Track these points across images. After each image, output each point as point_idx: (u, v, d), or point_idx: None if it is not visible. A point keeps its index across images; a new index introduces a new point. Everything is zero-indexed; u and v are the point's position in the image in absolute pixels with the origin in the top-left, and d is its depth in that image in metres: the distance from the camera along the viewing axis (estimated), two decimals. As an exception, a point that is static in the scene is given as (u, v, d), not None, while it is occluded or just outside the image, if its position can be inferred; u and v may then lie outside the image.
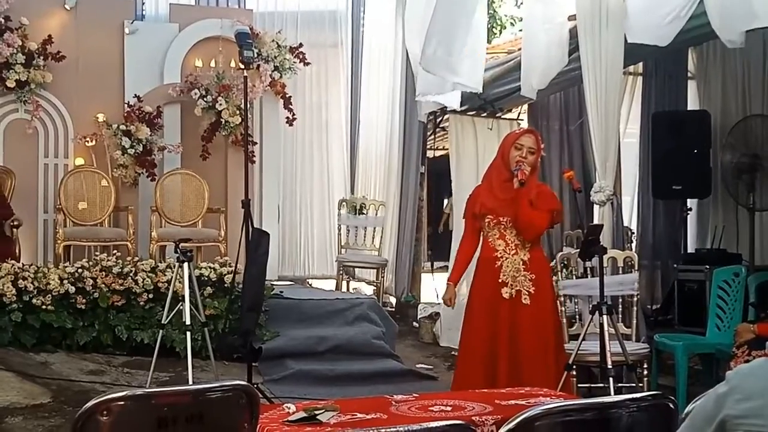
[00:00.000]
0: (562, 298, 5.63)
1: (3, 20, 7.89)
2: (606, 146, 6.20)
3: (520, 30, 9.04)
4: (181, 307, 5.57)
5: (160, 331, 5.78)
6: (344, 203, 9.34)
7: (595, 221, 6.65)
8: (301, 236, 9.82)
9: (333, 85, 9.90)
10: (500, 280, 4.98)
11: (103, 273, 6.61)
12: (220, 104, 8.20)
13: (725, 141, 8.11)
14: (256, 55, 7.57)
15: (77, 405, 4.13)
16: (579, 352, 4.98)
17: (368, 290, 9.38)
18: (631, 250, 7.25)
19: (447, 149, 9.45)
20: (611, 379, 4.64)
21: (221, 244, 7.89)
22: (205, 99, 8.24)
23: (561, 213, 5.44)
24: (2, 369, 5.84)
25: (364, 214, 9.24)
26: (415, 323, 8.56)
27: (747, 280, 6.29)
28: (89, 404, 2.34)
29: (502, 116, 9.09)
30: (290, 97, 8.71)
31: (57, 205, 7.94)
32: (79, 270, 6.60)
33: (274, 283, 7.67)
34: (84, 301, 6.51)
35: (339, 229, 9.31)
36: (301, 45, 8.79)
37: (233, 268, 6.32)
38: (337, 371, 6.52)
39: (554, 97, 9.35)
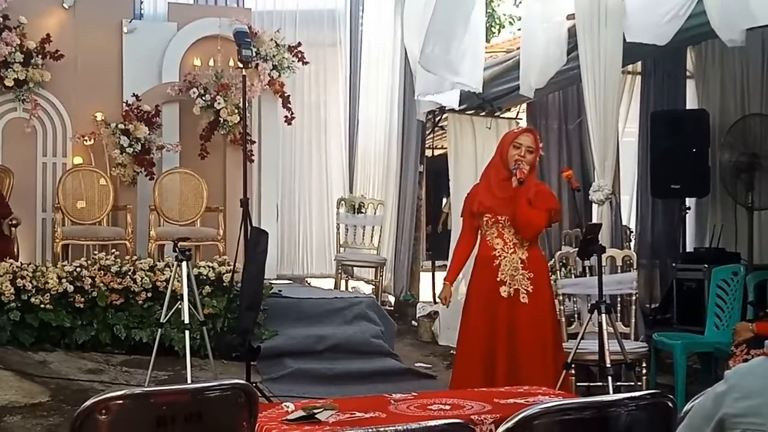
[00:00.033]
0: (561, 297, 5.63)
1: (1, 19, 7.88)
2: (605, 145, 6.20)
3: (519, 29, 9.04)
4: (180, 306, 5.58)
5: (159, 330, 5.78)
6: (343, 202, 9.33)
7: (594, 220, 6.66)
8: (299, 235, 9.82)
9: (332, 84, 9.90)
10: (498, 279, 4.98)
11: (102, 272, 6.60)
12: (219, 103, 8.19)
13: (724, 140, 8.12)
14: (254, 54, 7.56)
15: (76, 404, 4.14)
16: (578, 350, 4.98)
17: (367, 289, 9.38)
18: (630, 249, 7.25)
19: (446, 148, 9.45)
20: (610, 378, 4.65)
21: (220, 242, 7.89)
22: (203, 98, 8.23)
23: (559, 212, 5.45)
24: (1, 368, 5.84)
25: (362, 213, 9.24)
26: (413, 322, 8.56)
27: (745, 279, 6.29)
28: (88, 403, 2.34)
29: (501, 115, 9.10)
30: (289, 96, 8.71)
31: (55, 204, 7.93)
32: (78, 269, 6.59)
33: (273, 281, 7.66)
34: (82, 300, 6.50)
35: (338, 228, 9.31)
36: (299, 44, 8.79)
37: (232, 267, 6.32)
38: (335, 370, 6.52)
39: (553, 96, 9.36)
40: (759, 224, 8.07)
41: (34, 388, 5.61)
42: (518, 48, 7.23)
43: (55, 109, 8.22)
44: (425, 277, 9.50)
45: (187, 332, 5.51)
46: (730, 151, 8.00)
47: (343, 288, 9.07)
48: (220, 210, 8.12)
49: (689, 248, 8.43)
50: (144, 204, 8.10)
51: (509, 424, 2.15)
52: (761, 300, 6.12)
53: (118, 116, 8.14)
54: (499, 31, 15.31)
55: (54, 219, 7.89)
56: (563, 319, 5.59)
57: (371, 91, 9.74)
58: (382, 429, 2.06)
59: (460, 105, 8.25)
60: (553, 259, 6.05)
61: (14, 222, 7.44)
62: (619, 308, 5.86)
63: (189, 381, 5.28)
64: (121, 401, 2.38)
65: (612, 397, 2.94)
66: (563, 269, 6.03)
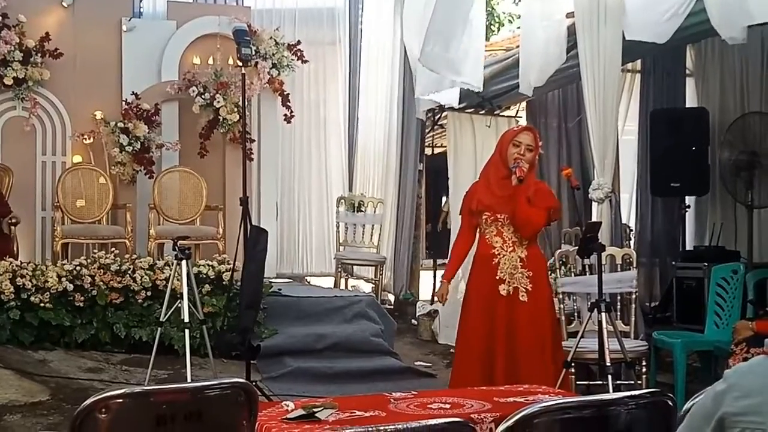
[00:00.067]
0: (561, 296, 5.63)
1: (0, 17, 7.87)
2: (604, 143, 6.20)
3: (518, 27, 9.04)
4: (180, 305, 5.58)
5: (159, 328, 5.78)
6: (342, 200, 9.33)
7: (594, 218, 6.66)
8: (299, 233, 9.81)
9: (331, 83, 9.89)
10: (498, 277, 4.98)
11: (102, 270, 6.60)
12: (218, 101, 8.19)
13: (723, 138, 8.12)
14: (254, 53, 7.56)
15: (76, 403, 4.14)
16: (577, 349, 4.99)
17: (367, 288, 9.38)
18: (630, 247, 7.26)
19: (445, 146, 9.45)
20: (610, 377, 4.65)
21: (219, 241, 7.89)
22: (203, 96, 8.23)
23: (558, 210, 5.45)
24: (1, 367, 5.84)
25: (362, 211, 9.24)
26: (413, 321, 8.57)
27: (745, 278, 6.29)
28: (88, 402, 2.34)
29: (501, 113, 9.09)
30: (288, 94, 8.70)
31: (55, 203, 7.93)
32: (78, 268, 6.59)
33: (273, 280, 7.66)
34: (82, 298, 6.50)
35: (337, 227, 9.30)
36: (299, 42, 8.78)
37: (231, 266, 6.32)
38: (335, 369, 6.52)
39: (552, 95, 9.36)
40: (759, 222, 8.07)
41: (34, 387, 5.61)
42: (518, 46, 7.23)
43: (55, 107, 8.21)
44: (425, 276, 9.50)
45: (186, 331, 5.51)
46: (730, 150, 8.00)
47: (342, 287, 9.06)
48: (219, 208, 8.11)
49: (689, 246, 8.44)
50: (143, 202, 8.10)
51: (509, 423, 2.15)
52: (761, 298, 6.12)
53: (117, 115, 8.14)
54: (499, 30, 15.30)
55: (53, 218, 7.89)
56: (563, 318, 5.60)
57: (371, 90, 9.74)
58: (382, 428, 2.05)
59: (459, 103, 8.25)
60: (552, 258, 6.05)
61: (14, 221, 7.43)
62: (618, 307, 5.86)
63: (189, 380, 5.28)
64: (120, 400, 2.38)
65: (612, 395, 2.93)
66: (563, 268, 6.02)
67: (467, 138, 8.58)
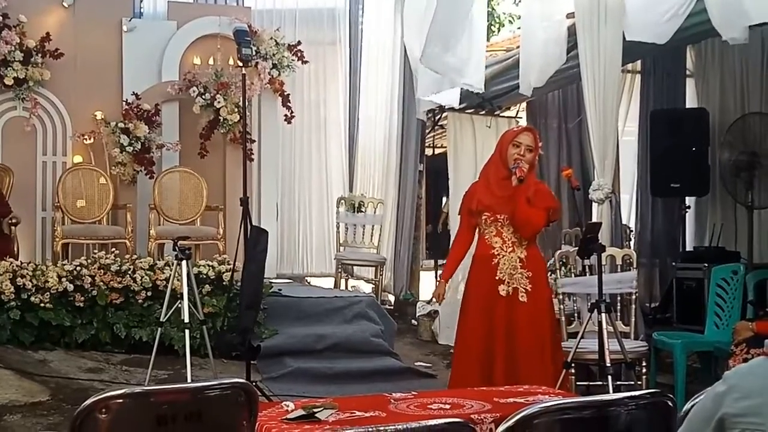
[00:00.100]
0: (561, 296, 5.63)
1: (1, 17, 7.87)
2: (604, 144, 6.20)
3: (519, 28, 9.04)
4: (180, 305, 5.57)
5: (159, 329, 5.77)
6: (343, 201, 9.33)
7: (594, 219, 6.66)
8: (299, 234, 9.82)
9: (331, 83, 9.90)
10: (497, 278, 4.98)
11: (102, 271, 6.60)
12: (219, 102, 8.19)
13: (723, 139, 8.12)
14: (254, 53, 7.56)
15: (76, 403, 4.14)
16: (577, 350, 4.99)
17: (367, 288, 9.38)
18: (630, 248, 7.26)
19: (445, 147, 9.45)
20: (610, 377, 4.65)
21: (220, 241, 7.89)
22: (203, 97, 8.23)
23: (558, 211, 5.45)
24: (1, 367, 5.84)
25: (362, 212, 9.24)
26: (413, 321, 8.57)
27: (745, 278, 6.29)
28: (88, 402, 2.34)
29: (501, 114, 9.10)
30: (288, 94, 8.70)
31: (55, 203, 7.93)
32: (78, 268, 6.59)
33: (273, 280, 7.66)
34: (82, 299, 6.50)
35: (337, 227, 9.30)
36: (299, 43, 8.78)
37: (232, 266, 6.31)
38: (335, 369, 6.51)
39: (553, 95, 9.36)
40: (759, 223, 8.07)
41: (34, 387, 5.61)
42: (518, 47, 7.23)
43: (55, 107, 8.21)
44: (425, 276, 9.50)
45: (187, 331, 5.51)
46: (730, 150, 8.00)
47: (342, 287, 9.06)
48: (219, 209, 8.12)
49: (689, 247, 8.44)
50: (144, 203, 8.10)
51: (509, 424, 2.15)
52: (761, 299, 6.12)
53: (117, 115, 8.14)
54: (499, 30, 15.29)
55: (54, 218, 7.89)
56: (563, 319, 5.60)
57: (371, 90, 9.74)
58: (382, 428, 2.06)
59: (459, 104, 8.25)
60: (553, 258, 6.05)
61: (14, 221, 7.44)
62: (619, 307, 5.85)
63: (189, 380, 5.28)
64: (121, 400, 2.38)
65: (612, 396, 2.94)
66: (563, 268, 6.02)
67: (467, 138, 8.58)
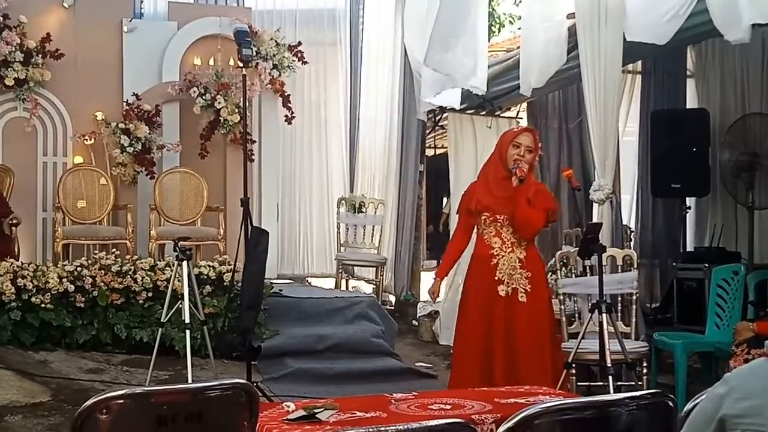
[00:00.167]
0: (562, 297, 5.63)
1: (1, 18, 7.87)
2: (605, 144, 6.20)
3: (519, 28, 9.03)
4: (181, 306, 5.57)
5: (160, 329, 5.77)
6: (343, 201, 9.34)
7: (594, 219, 6.66)
8: (300, 234, 9.82)
9: (332, 84, 9.90)
10: (496, 278, 4.98)
11: (102, 271, 6.60)
12: (219, 102, 8.19)
13: (724, 139, 8.12)
14: (254, 54, 7.56)
15: (77, 403, 4.14)
16: (578, 350, 4.99)
17: (367, 288, 9.39)
18: (630, 248, 7.25)
19: (446, 147, 9.45)
20: (610, 378, 4.65)
21: (220, 242, 7.89)
22: (203, 97, 8.23)
23: (557, 212, 5.44)
24: (2, 367, 5.84)
25: (363, 212, 9.24)
26: (414, 321, 8.57)
27: (746, 279, 6.29)
28: (89, 403, 2.34)
29: (501, 115, 9.09)
30: (289, 95, 8.70)
31: (56, 204, 7.93)
32: (78, 268, 6.59)
33: (274, 281, 7.66)
34: (83, 299, 6.50)
35: (338, 228, 9.31)
36: (300, 43, 8.78)
37: (232, 267, 6.32)
38: (336, 370, 6.52)
39: (553, 96, 9.36)
40: (759, 223, 8.07)
41: (34, 388, 5.61)
42: (518, 47, 7.23)
43: (56, 108, 8.22)
44: (426, 277, 9.48)
45: (187, 332, 5.51)
46: (731, 151, 8.00)
47: (343, 287, 9.07)
48: (220, 209, 8.12)
49: (689, 248, 8.44)
50: (144, 203, 8.10)
51: (510, 424, 2.15)
52: (762, 299, 6.12)
53: (118, 115, 8.14)
54: (499, 31, 15.28)
55: (54, 218, 7.89)
56: (564, 319, 5.59)
57: (371, 91, 9.74)
58: (383, 429, 2.06)
59: (460, 104, 8.25)
60: (553, 259, 6.05)
61: (15, 221, 7.44)
62: (619, 308, 5.85)
63: (190, 381, 5.28)
64: (121, 401, 2.38)
65: (613, 396, 2.94)
66: (564, 269, 6.02)
67: (468, 139, 8.57)
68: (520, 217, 4.96)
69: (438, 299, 5.68)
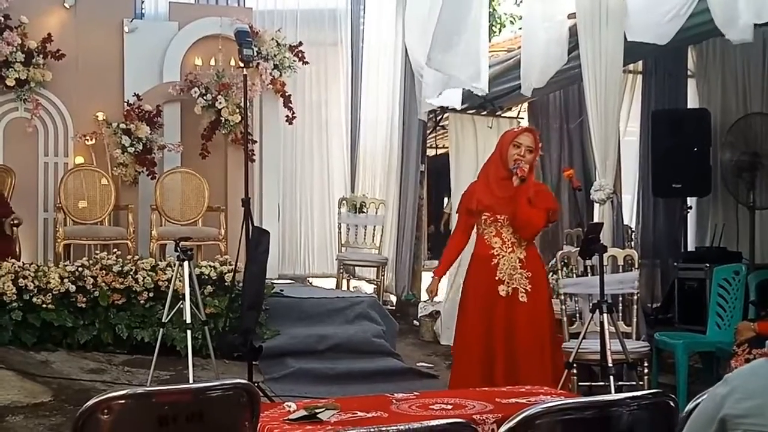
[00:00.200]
0: (563, 297, 5.63)
1: (2, 18, 7.88)
2: (606, 144, 6.20)
3: (520, 28, 9.04)
4: (182, 306, 5.57)
5: (161, 329, 5.78)
6: (344, 201, 9.33)
7: (595, 219, 6.65)
8: (301, 234, 9.82)
9: (333, 84, 9.90)
10: (497, 278, 4.98)
11: (104, 272, 6.61)
12: (220, 103, 8.20)
13: (725, 139, 8.12)
14: (255, 54, 7.56)
15: (78, 404, 4.14)
16: (579, 350, 4.99)
17: (368, 289, 9.38)
18: (632, 248, 7.24)
19: (447, 147, 9.45)
20: (612, 378, 4.64)
21: (221, 242, 7.89)
22: (204, 97, 8.24)
23: (557, 212, 5.44)
24: (3, 368, 5.85)
25: (364, 212, 9.24)
26: (415, 321, 8.57)
27: (747, 279, 6.29)
28: (90, 403, 2.34)
29: (502, 115, 9.09)
30: (290, 95, 8.70)
31: (57, 204, 7.93)
32: (80, 269, 6.60)
33: (275, 281, 7.67)
34: (84, 299, 6.51)
35: (339, 228, 9.31)
36: (300, 43, 8.78)
37: (233, 267, 6.32)
38: (337, 370, 6.52)
39: (554, 96, 9.36)
40: (760, 223, 8.07)
41: (36, 388, 5.61)
42: (519, 47, 7.23)
43: (57, 108, 8.22)
44: (427, 277, 9.47)
45: (188, 332, 5.51)
46: (732, 151, 8.00)
47: (344, 287, 9.07)
48: (221, 210, 8.12)
49: (691, 247, 8.44)
50: (145, 204, 8.11)
51: (511, 424, 2.15)
52: (763, 299, 6.11)
53: (119, 116, 8.14)
54: (500, 31, 15.28)
55: (56, 219, 7.89)
56: (565, 319, 5.59)
57: (372, 91, 9.74)
58: (384, 429, 2.06)
59: (461, 104, 8.25)
60: (554, 259, 6.05)
61: (16, 222, 7.44)
62: (620, 308, 5.85)
63: (191, 381, 5.28)
64: (123, 401, 2.38)
65: (614, 396, 2.93)
66: (565, 269, 6.02)
67: (469, 139, 8.57)
68: (521, 217, 4.95)
69: (436, 298, 5.66)
